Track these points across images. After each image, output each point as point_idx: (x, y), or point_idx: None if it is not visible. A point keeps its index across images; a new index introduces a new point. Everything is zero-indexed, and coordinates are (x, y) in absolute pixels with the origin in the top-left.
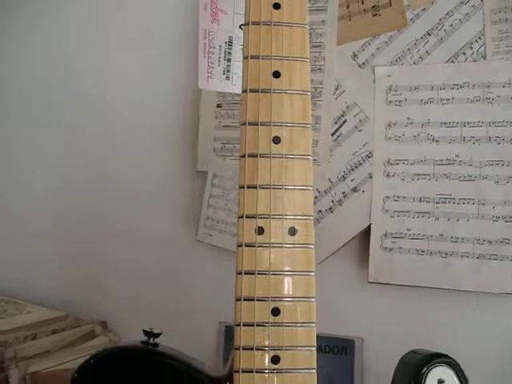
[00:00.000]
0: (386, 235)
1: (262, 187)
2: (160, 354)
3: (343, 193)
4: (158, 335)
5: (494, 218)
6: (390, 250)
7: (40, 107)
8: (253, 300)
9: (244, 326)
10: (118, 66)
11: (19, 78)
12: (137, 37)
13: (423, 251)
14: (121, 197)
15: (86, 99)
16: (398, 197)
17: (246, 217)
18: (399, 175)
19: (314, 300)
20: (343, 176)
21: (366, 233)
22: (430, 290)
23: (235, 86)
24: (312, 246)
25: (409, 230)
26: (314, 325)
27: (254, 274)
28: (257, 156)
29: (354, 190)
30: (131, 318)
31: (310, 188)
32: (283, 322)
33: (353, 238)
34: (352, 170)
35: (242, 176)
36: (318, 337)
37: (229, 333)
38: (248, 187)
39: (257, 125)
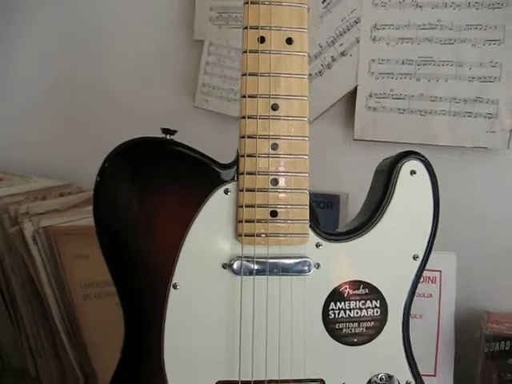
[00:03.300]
0: (370, 96)
1: (263, 3)
2: (179, 145)
3: (332, 57)
4: (174, 132)
5: (470, 79)
6: (374, 109)
7: None
8: (255, 97)
9: (248, 118)
10: None
11: None
12: None
13: (404, 110)
14: (118, 67)
15: None
16: (382, 60)
17: (250, 28)
18: (384, 39)
19: (306, 99)
20: (332, 41)
21: (352, 95)
22: (410, 145)
23: None
24: (306, 54)
25: (392, 90)
26: (306, 119)
27: (256, 75)
28: None
29: (342, 54)
30: None
31: (305, 6)
32: (280, 115)
33: (340, 99)
34: (341, 35)
35: None
36: None
37: None
38: (251, 3)
39: None
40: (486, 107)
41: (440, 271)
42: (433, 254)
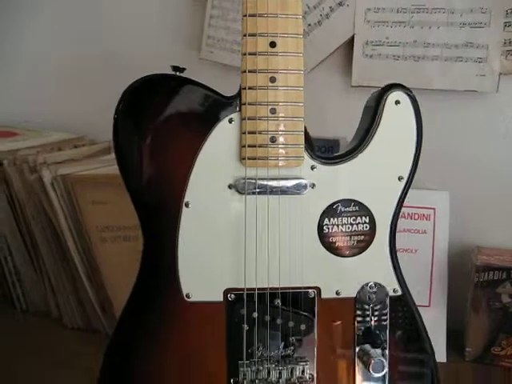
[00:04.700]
0: (367, 43)
1: None
2: (187, 80)
3: (330, 7)
4: (183, 70)
5: (461, 25)
6: (371, 56)
7: None
8: (255, 36)
9: (249, 55)
10: None
11: None
12: None
13: (399, 56)
14: (123, 20)
15: None
16: (378, 8)
17: None
18: None
19: (301, 36)
20: None
21: (350, 43)
22: None
23: None
24: None
25: (387, 38)
26: (301, 55)
27: (255, 16)
28: None
29: (340, 4)
30: None
31: None
32: (278, 52)
33: (338, 48)
34: None
35: None
36: None
37: None
38: None
39: None
40: (476, 52)
41: (434, 209)
42: (427, 192)
